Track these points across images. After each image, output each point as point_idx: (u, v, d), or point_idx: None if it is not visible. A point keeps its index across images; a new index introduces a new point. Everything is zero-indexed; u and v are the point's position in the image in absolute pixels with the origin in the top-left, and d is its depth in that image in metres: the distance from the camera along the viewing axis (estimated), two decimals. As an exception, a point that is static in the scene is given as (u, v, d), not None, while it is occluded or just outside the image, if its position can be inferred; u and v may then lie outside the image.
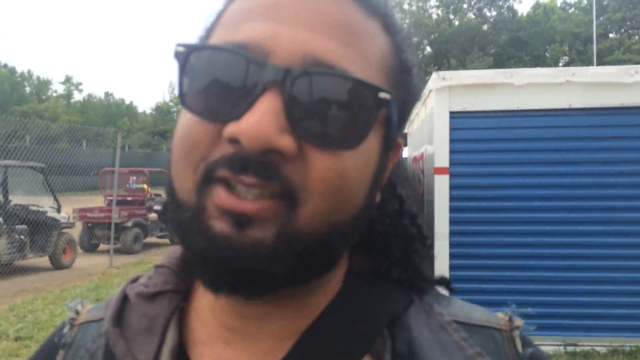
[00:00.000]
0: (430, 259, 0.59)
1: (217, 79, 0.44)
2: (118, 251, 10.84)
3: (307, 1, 0.45)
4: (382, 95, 0.44)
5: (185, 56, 0.45)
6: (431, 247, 0.60)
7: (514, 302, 0.59)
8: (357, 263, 0.55)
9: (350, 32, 0.45)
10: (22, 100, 48.07)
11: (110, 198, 11.16)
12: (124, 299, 0.56)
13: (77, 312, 0.61)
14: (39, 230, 9.46)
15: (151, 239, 12.55)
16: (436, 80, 4.64)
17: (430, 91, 4.81)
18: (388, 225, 0.57)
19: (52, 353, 0.58)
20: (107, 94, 55.09)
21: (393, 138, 0.50)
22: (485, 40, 34.15)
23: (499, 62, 30.58)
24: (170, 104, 54.10)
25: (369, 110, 0.44)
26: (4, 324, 5.95)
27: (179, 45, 0.45)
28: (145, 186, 12.84)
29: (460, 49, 32.85)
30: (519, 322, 0.54)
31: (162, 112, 53.59)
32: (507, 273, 4.51)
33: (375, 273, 0.55)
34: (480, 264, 4.53)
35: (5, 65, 52.19)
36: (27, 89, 52.63)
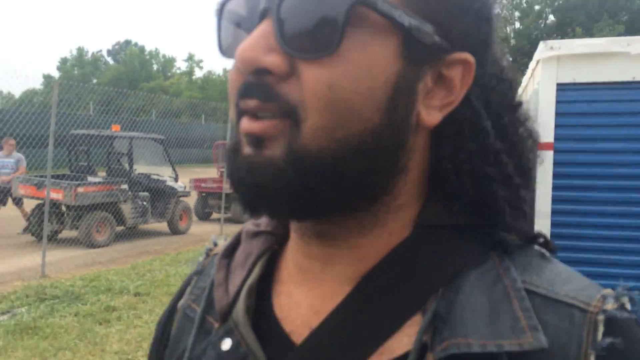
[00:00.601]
0: (522, 211, 0.53)
1: (235, 23, 0.50)
2: (229, 220, 11.48)
3: None
4: None
5: (220, 11, 0.51)
6: (523, 199, 0.54)
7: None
8: (430, 213, 0.52)
9: None
10: (150, 77, 51.84)
11: (223, 169, 11.80)
12: (240, 234, 0.62)
13: (215, 245, 0.68)
14: (159, 197, 10.28)
15: (259, 210, 13.15)
16: (543, 50, 4.35)
17: (537, 62, 4.54)
18: (462, 161, 0.51)
19: (189, 280, 0.66)
20: (225, 71, 57.70)
21: (423, 49, 0.47)
22: (617, 7, 31.11)
23: (631, 31, 27.73)
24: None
25: (335, 10, 0.43)
26: (126, 281, 6.60)
27: (217, 4, 0.51)
28: None
29: (587, 16, 30.27)
30: (610, 305, 0.46)
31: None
32: (612, 256, 4.21)
33: (449, 227, 0.52)
34: (583, 245, 4.27)
35: (136, 44, 56.43)
36: (155, 67, 56.56)
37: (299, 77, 0.44)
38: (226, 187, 11.33)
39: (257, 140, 0.46)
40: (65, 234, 9.19)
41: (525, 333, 0.45)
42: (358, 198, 0.49)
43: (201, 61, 66.20)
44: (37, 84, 45.14)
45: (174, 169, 10.79)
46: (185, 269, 7.36)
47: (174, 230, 10.52)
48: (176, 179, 10.77)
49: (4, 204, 9.57)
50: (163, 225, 10.60)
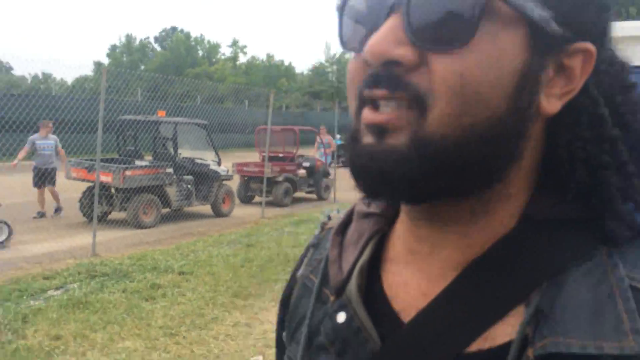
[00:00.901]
0: (636, 202, 0.52)
1: (359, 17, 0.52)
2: (270, 203, 11.69)
3: None
4: None
5: (342, 7, 0.54)
6: (637, 189, 0.52)
7: None
8: (538, 205, 0.53)
9: None
10: (195, 63, 52.63)
11: (264, 154, 12.00)
12: (352, 212, 0.65)
13: (329, 218, 0.71)
14: (203, 181, 10.56)
15: (300, 194, 13.30)
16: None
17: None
18: (578, 149, 0.51)
19: (306, 252, 0.71)
20: (268, 56, 58.04)
21: (549, 39, 0.48)
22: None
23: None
24: (326, 64, 55.36)
25: (468, 5, 0.45)
26: (170, 260, 6.86)
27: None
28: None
29: None
30: None
31: (318, 73, 55.12)
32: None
33: (558, 220, 0.52)
34: None
35: (182, 31, 57.31)
36: (200, 52, 57.37)
37: (429, 67, 0.46)
38: (267, 171, 11.53)
39: (380, 130, 0.48)
40: (114, 215, 9.59)
41: (627, 336, 0.44)
42: (475, 183, 0.50)
43: (245, 47, 66.84)
44: (88, 70, 46.57)
45: (217, 153, 11.04)
46: (227, 250, 7.59)
47: (217, 213, 10.80)
48: (219, 163, 11.01)
49: (53, 184, 9.78)
50: (206, 208, 10.89)
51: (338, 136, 16.02)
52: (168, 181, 9.83)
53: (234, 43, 57.78)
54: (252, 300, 5.57)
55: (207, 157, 11.00)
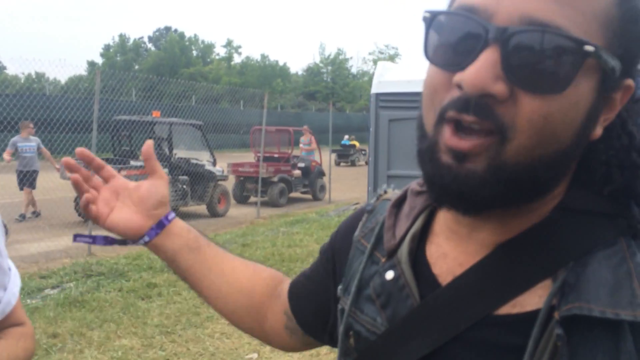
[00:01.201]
0: None
1: (452, 37, 0.55)
2: (265, 204, 11.74)
3: None
4: (587, 47, 0.51)
5: (430, 20, 0.57)
6: None
7: None
8: (572, 198, 0.60)
9: None
10: (189, 63, 52.56)
11: (259, 154, 12.04)
12: (407, 190, 0.75)
13: (385, 192, 0.81)
14: (198, 181, 10.59)
15: (295, 194, 13.36)
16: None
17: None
18: (612, 156, 0.60)
19: (360, 215, 0.80)
20: (263, 56, 57.98)
21: (612, 82, 0.55)
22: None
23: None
24: (320, 64, 55.39)
25: (572, 60, 0.51)
26: (166, 260, 6.89)
27: (426, 11, 0.58)
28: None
29: None
30: None
31: (312, 73, 55.17)
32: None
33: (588, 211, 0.59)
34: None
35: (176, 30, 57.23)
36: (194, 53, 57.30)
37: (517, 104, 0.52)
38: (263, 172, 11.58)
39: (462, 155, 0.54)
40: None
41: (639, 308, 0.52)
42: (535, 197, 0.58)
43: (240, 47, 66.68)
44: (82, 70, 46.44)
45: (212, 154, 11.08)
46: (222, 250, 7.63)
47: (213, 213, 10.84)
48: (214, 163, 11.05)
49: (33, 187, 9.58)
50: (202, 208, 10.93)
51: (346, 137, 16.08)
52: (163, 181, 9.86)
53: (229, 43, 57.78)
54: (247, 299, 5.63)
55: (203, 158, 11.04)
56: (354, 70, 59.62)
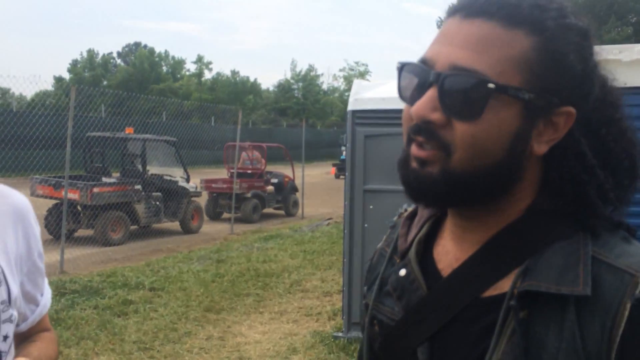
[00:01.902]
0: (612, 205, 0.74)
1: (411, 80, 0.74)
2: (238, 220, 11.76)
3: (459, 29, 0.71)
4: (489, 85, 0.67)
5: (400, 69, 0.76)
6: (612, 197, 0.74)
7: None
8: (540, 202, 0.75)
9: (485, 44, 0.68)
10: (159, 79, 52.18)
11: (233, 170, 12.08)
12: (418, 206, 0.90)
13: (405, 210, 0.97)
14: (171, 197, 10.58)
15: (268, 210, 13.41)
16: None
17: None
18: (566, 172, 0.73)
19: (386, 231, 0.97)
20: (233, 72, 57.94)
21: (538, 110, 0.69)
22: (625, 9, 31.10)
23: (640, 32, 27.64)
24: (291, 81, 55.67)
25: (480, 94, 0.67)
26: (141, 277, 6.88)
27: (398, 62, 0.77)
28: (263, 160, 13.68)
29: (595, 18, 30.15)
30: None
31: (284, 89, 55.38)
32: None
33: (551, 212, 0.74)
34: None
35: (145, 46, 56.85)
36: (164, 68, 56.96)
37: (452, 128, 0.70)
38: (236, 188, 11.61)
39: (422, 162, 0.72)
40: (81, 232, 9.50)
41: (578, 285, 0.66)
42: (483, 198, 0.74)
43: (210, 63, 66.54)
44: (49, 86, 45.63)
45: (185, 170, 11.08)
46: (197, 266, 7.64)
47: (186, 229, 10.82)
48: (188, 180, 11.06)
49: None
50: (175, 225, 10.90)
51: (343, 149, 15.91)
52: (136, 198, 9.83)
53: (199, 59, 57.60)
54: (224, 314, 5.66)
55: (176, 174, 11.04)
56: (324, 86, 60.03)
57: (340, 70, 67.89)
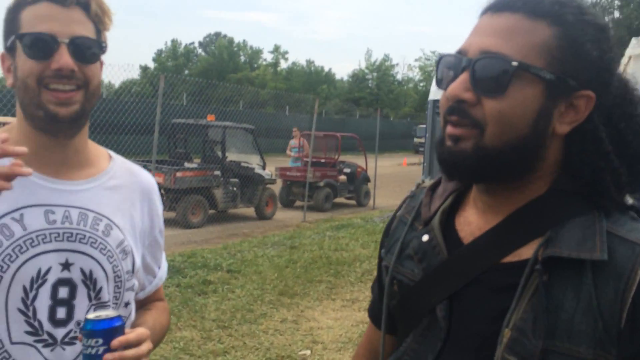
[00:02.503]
0: (625, 190, 0.82)
1: (448, 70, 0.84)
2: (311, 208, 11.96)
3: (489, 22, 0.81)
4: (513, 63, 0.76)
5: (438, 60, 0.87)
6: (625, 183, 0.81)
7: None
8: (561, 182, 0.83)
9: (511, 32, 0.78)
10: (237, 69, 53.52)
11: (307, 159, 12.28)
12: (441, 178, 0.99)
13: (423, 181, 1.06)
14: (248, 184, 10.90)
15: (340, 199, 13.54)
16: (635, 46, 4.38)
17: (629, 58, 4.54)
18: (584, 156, 0.81)
19: (404, 202, 1.05)
20: (308, 62, 58.46)
21: (559, 90, 0.78)
22: None
23: None
24: (366, 71, 55.41)
25: (504, 72, 0.76)
26: (219, 259, 7.20)
27: (438, 55, 0.87)
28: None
29: (633, 33, 27.91)
30: None
31: (358, 79, 55.23)
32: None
33: (571, 192, 0.82)
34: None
35: (225, 36, 58.40)
36: (242, 58, 58.32)
37: (482, 106, 0.79)
38: (310, 177, 11.81)
39: (456, 139, 0.81)
40: (164, 214, 9.98)
41: (595, 252, 0.76)
42: (510, 173, 0.82)
43: (287, 52, 67.39)
44: (135, 74, 47.94)
45: (262, 158, 11.37)
46: (271, 251, 7.89)
47: (260, 215, 11.13)
48: (264, 167, 11.34)
49: None
50: (250, 210, 11.24)
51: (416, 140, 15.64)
52: (215, 183, 10.21)
53: (276, 49, 58.53)
54: (297, 299, 5.84)
55: (253, 161, 11.35)
56: (399, 76, 59.40)
57: (416, 60, 66.85)
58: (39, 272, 1.05)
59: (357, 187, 13.76)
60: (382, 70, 54.93)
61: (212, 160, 10.72)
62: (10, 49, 1.08)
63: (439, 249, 0.89)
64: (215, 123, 10.82)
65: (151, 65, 55.15)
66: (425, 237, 0.92)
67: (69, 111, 1.05)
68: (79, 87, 1.06)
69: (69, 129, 1.10)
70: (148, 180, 1.30)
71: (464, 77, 0.79)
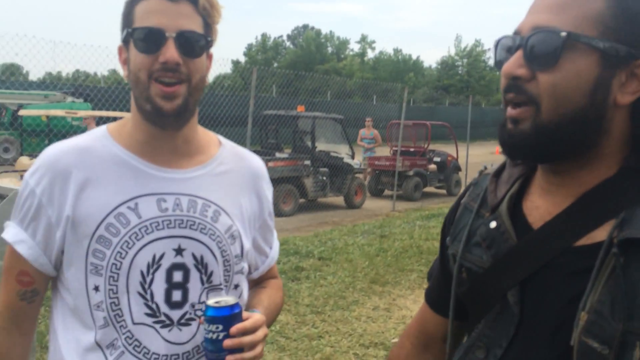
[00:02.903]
0: None
1: (505, 49, 0.85)
2: (400, 197, 11.87)
3: (541, 0, 0.82)
4: (562, 34, 0.76)
5: (496, 43, 0.87)
6: None
7: None
8: (632, 161, 0.80)
9: (562, 6, 0.78)
10: (324, 60, 53.95)
11: (396, 148, 12.19)
12: (504, 163, 0.98)
13: (485, 168, 1.04)
14: (337, 173, 11.01)
15: (430, 189, 13.33)
16: None
17: None
18: None
19: (467, 189, 1.04)
20: (395, 50, 57.74)
21: (616, 59, 0.76)
22: None
23: None
24: (456, 57, 53.87)
25: (555, 43, 0.77)
26: (310, 246, 7.34)
27: (495, 40, 0.87)
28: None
29: None
30: None
31: (447, 66, 53.84)
32: None
33: None
34: None
35: (312, 28, 59.00)
36: (329, 49, 58.68)
37: (537, 80, 0.79)
38: (399, 166, 11.71)
39: (515, 121, 0.82)
40: (257, 203, 10.33)
41: None
42: (573, 149, 0.81)
43: (373, 42, 66.91)
44: (227, 68, 49.66)
45: (350, 147, 11.44)
46: (361, 240, 7.93)
47: (350, 204, 11.21)
48: (352, 157, 11.40)
49: None
50: (339, 199, 11.35)
51: None
52: (305, 173, 10.41)
53: (363, 39, 58.36)
54: (389, 287, 5.83)
55: (341, 151, 11.44)
56: (491, 62, 57.21)
57: (509, 44, 63.74)
58: (154, 257, 1.11)
59: (448, 176, 13.48)
60: (473, 56, 53.14)
61: (302, 150, 10.91)
62: (125, 42, 1.12)
63: (508, 235, 0.88)
64: (304, 114, 11.01)
65: (242, 59, 56.93)
66: (493, 224, 0.91)
67: (173, 105, 1.08)
68: (182, 80, 1.08)
69: (174, 122, 1.13)
70: (257, 164, 1.32)
71: (518, 54, 0.80)
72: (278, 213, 9.87)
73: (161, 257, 1.11)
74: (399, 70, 53.24)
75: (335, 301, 5.30)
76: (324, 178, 10.81)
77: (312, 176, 10.58)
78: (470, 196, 1.01)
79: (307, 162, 10.48)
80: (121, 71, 1.19)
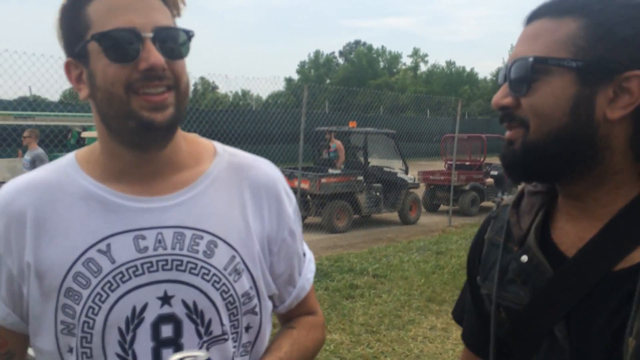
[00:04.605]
0: None
1: (500, 82, 0.88)
2: (456, 212, 11.59)
3: (522, 34, 0.85)
4: (529, 59, 0.80)
5: (496, 73, 0.97)
6: None
7: None
8: None
9: (536, 35, 0.82)
10: (376, 75, 53.96)
11: (451, 162, 11.93)
12: (522, 193, 0.97)
13: (502, 199, 1.04)
14: (390, 188, 10.88)
15: (487, 203, 12.94)
16: None
17: None
18: None
19: (487, 223, 1.02)
20: (449, 63, 57.06)
21: (595, 75, 0.77)
22: None
23: None
24: (511, 68, 52.62)
25: (527, 69, 0.80)
26: (365, 263, 7.24)
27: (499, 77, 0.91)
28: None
29: None
30: None
31: (503, 78, 52.63)
32: None
33: None
34: None
35: (364, 44, 59.22)
36: (381, 64, 58.67)
37: (521, 105, 0.83)
38: (454, 180, 11.45)
39: (510, 142, 0.86)
40: (310, 219, 10.34)
41: None
42: (567, 167, 0.81)
43: (426, 55, 66.36)
44: (280, 86, 50.44)
45: (404, 162, 11.29)
46: (417, 256, 7.75)
47: (404, 220, 11.03)
48: (406, 172, 11.24)
49: None
50: (394, 215, 11.19)
51: None
52: (359, 188, 10.33)
53: (415, 52, 58.03)
54: (446, 306, 5.65)
55: (395, 166, 11.31)
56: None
57: (568, 52, 61.92)
58: (134, 310, 0.91)
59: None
60: (529, 66, 51.74)
61: (354, 165, 10.86)
62: (81, 55, 0.90)
63: (543, 267, 0.86)
64: (356, 129, 10.98)
65: (295, 77, 57.70)
66: (524, 258, 0.89)
67: (165, 116, 0.89)
68: (169, 87, 0.90)
69: (163, 138, 0.93)
70: (267, 173, 1.07)
71: (504, 86, 0.85)
72: (332, 229, 9.84)
73: (143, 309, 0.92)
74: (453, 82, 52.53)
75: (391, 320, 5.17)
76: (378, 194, 10.69)
77: (365, 192, 10.49)
78: (493, 230, 0.99)
79: (360, 178, 10.40)
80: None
